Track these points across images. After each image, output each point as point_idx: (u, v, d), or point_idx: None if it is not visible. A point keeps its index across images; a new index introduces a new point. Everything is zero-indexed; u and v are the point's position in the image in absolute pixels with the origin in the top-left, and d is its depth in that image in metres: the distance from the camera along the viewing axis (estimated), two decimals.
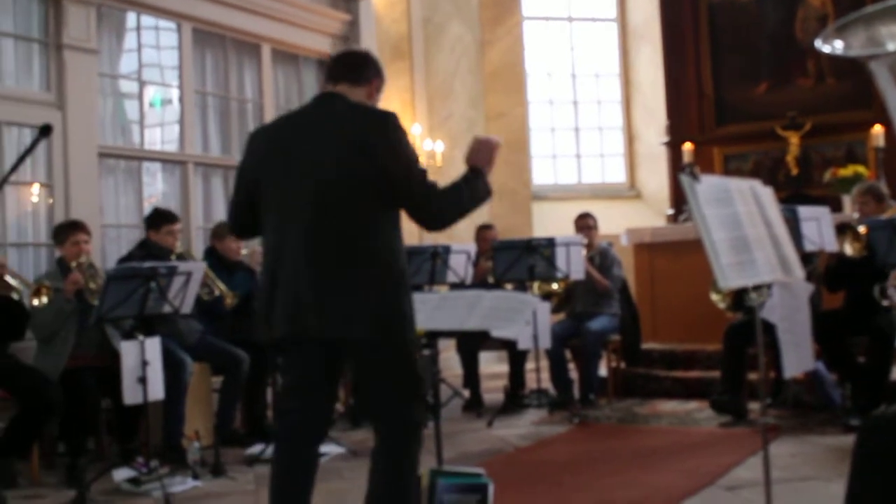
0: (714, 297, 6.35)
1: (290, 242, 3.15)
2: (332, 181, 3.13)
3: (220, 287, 6.04)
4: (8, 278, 5.11)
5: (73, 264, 5.51)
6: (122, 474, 5.09)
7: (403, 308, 3.17)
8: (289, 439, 3.26)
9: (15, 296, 5.19)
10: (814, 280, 5.73)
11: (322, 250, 3.11)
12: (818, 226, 6.00)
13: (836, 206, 8.18)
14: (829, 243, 5.97)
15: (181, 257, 5.92)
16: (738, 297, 6.01)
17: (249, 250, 6.61)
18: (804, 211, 6.01)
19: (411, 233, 9.30)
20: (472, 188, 3.25)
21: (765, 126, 9.65)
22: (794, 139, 9.52)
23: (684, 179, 3.28)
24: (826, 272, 6.07)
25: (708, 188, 3.30)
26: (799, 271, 3.57)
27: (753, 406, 6.29)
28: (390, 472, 3.20)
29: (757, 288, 3.45)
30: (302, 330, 3.13)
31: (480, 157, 3.32)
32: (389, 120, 3.17)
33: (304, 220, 3.13)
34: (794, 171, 9.56)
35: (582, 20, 12.61)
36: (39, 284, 5.25)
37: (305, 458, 3.27)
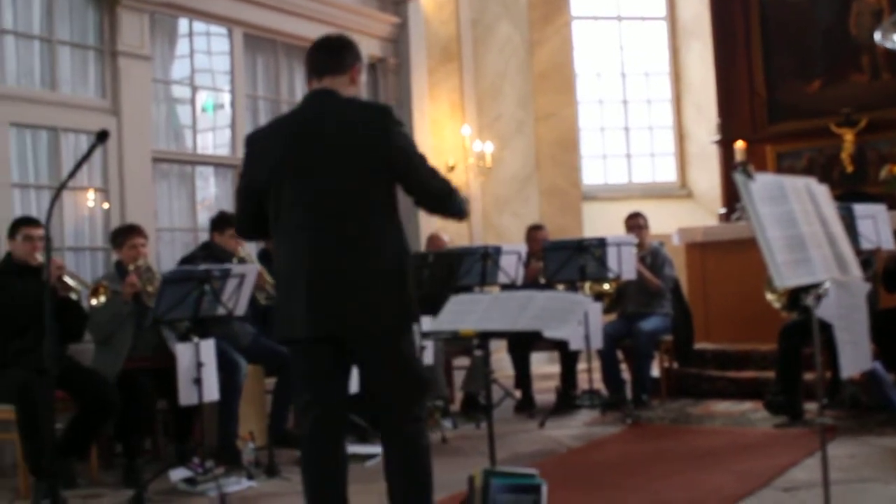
0: (769, 296, 6.28)
1: (306, 244, 3.22)
2: (345, 181, 3.23)
3: None
4: (66, 279, 5.22)
5: (131, 267, 5.59)
6: (178, 474, 5.15)
7: (413, 301, 3.32)
8: (314, 433, 3.32)
9: (74, 296, 5.28)
10: (871, 280, 5.64)
11: (338, 250, 3.20)
12: (874, 224, 5.91)
13: (893, 204, 8.03)
14: (886, 241, 5.88)
15: (242, 261, 5.99)
16: (794, 297, 5.94)
17: None
18: (860, 209, 5.92)
19: (460, 234, 9.32)
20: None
21: (818, 123, 9.51)
22: (848, 136, 9.37)
23: (739, 178, 3.24)
24: (884, 273, 5.98)
25: (763, 186, 3.27)
26: (856, 270, 3.52)
27: (809, 407, 6.21)
28: (415, 473, 3.28)
29: (813, 287, 3.40)
30: (323, 328, 3.21)
31: None
32: (389, 114, 3.31)
33: (319, 220, 3.22)
34: (849, 169, 9.40)
35: (631, 19, 12.53)
36: (97, 284, 5.34)
37: (334, 449, 3.33)
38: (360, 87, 3.48)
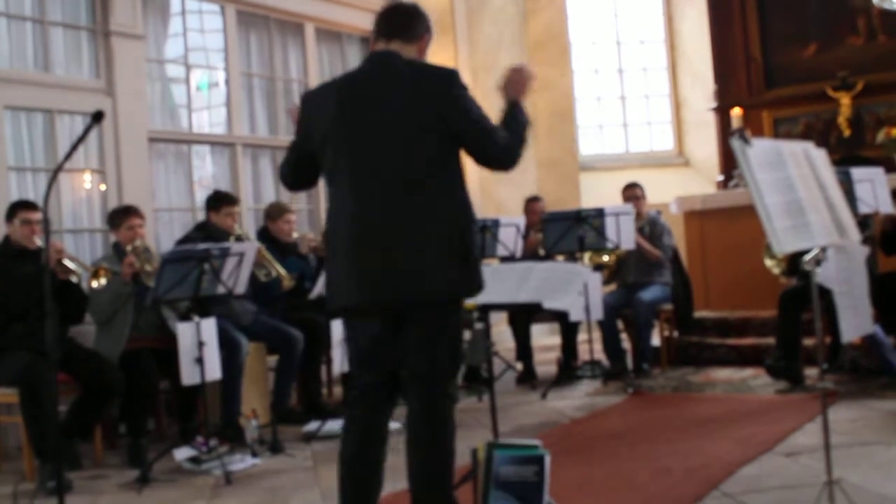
0: (768, 262, 6.29)
1: (360, 208, 3.14)
2: (402, 143, 3.14)
3: (278, 269, 6.08)
4: (66, 262, 5.21)
5: (129, 248, 5.59)
6: (182, 453, 5.17)
7: (476, 268, 3.21)
8: (361, 409, 3.25)
9: (74, 279, 5.28)
10: (869, 243, 5.64)
11: (393, 213, 3.11)
12: (872, 187, 5.91)
13: (891, 167, 8.02)
14: (884, 204, 5.88)
15: (239, 239, 5.99)
16: (793, 262, 5.94)
17: (300, 235, 6.67)
18: (858, 172, 5.91)
19: None
20: (520, 122, 3.31)
21: (815, 88, 9.47)
22: (845, 100, 9.33)
23: (736, 144, 3.24)
24: (882, 236, 5.98)
25: (760, 152, 3.26)
26: (855, 234, 3.52)
27: (810, 372, 6.23)
28: (436, 441, 3.23)
29: (812, 252, 3.41)
30: (376, 294, 3.12)
31: (517, 87, 3.38)
32: (455, 77, 3.21)
33: (374, 184, 3.14)
34: (847, 133, 9.37)
35: None
36: (97, 267, 5.34)
37: (378, 426, 3.27)
38: (427, 58, 3.40)
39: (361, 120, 3.18)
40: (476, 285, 3.23)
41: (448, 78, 3.20)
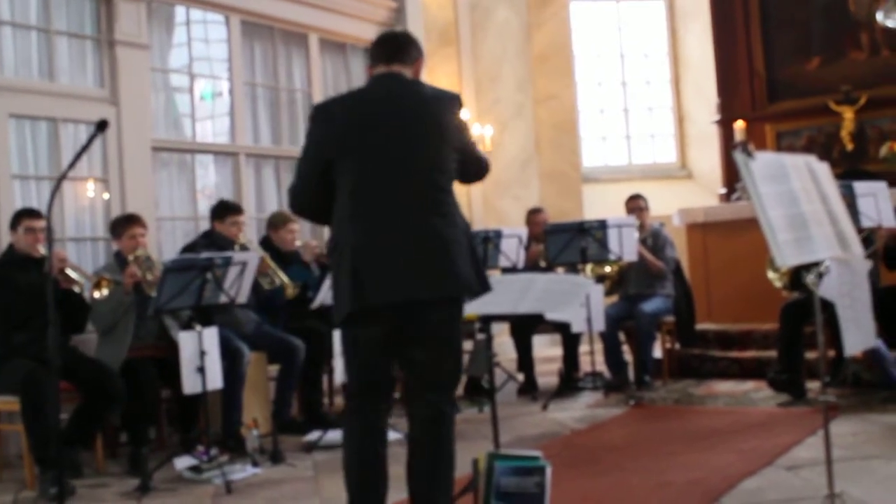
0: (771, 275, 6.29)
1: (391, 216, 3.27)
2: (428, 156, 3.33)
3: (282, 277, 6.09)
4: (69, 271, 5.22)
5: (131, 257, 5.59)
6: (183, 462, 5.16)
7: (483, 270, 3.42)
8: (365, 412, 3.31)
9: (76, 289, 5.29)
10: (872, 258, 5.64)
11: (424, 221, 3.27)
12: (875, 201, 5.90)
13: (894, 182, 8.01)
14: (887, 219, 5.87)
15: (244, 248, 6.00)
16: (796, 276, 5.94)
17: (303, 243, 6.67)
18: (861, 187, 5.91)
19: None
20: None
21: (818, 101, 9.46)
22: (848, 114, 9.33)
23: (739, 157, 3.25)
24: (885, 251, 5.98)
25: (763, 165, 3.27)
26: (857, 247, 3.52)
27: (811, 385, 6.22)
28: (445, 446, 3.31)
29: (815, 265, 3.41)
30: (408, 294, 3.21)
31: None
32: (460, 100, 3.49)
33: (405, 193, 3.28)
34: (850, 147, 9.36)
35: (629, 0, 12.50)
36: (99, 277, 5.34)
37: (382, 427, 3.35)
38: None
39: (385, 136, 3.31)
40: (488, 283, 3.41)
41: (458, 101, 3.46)
